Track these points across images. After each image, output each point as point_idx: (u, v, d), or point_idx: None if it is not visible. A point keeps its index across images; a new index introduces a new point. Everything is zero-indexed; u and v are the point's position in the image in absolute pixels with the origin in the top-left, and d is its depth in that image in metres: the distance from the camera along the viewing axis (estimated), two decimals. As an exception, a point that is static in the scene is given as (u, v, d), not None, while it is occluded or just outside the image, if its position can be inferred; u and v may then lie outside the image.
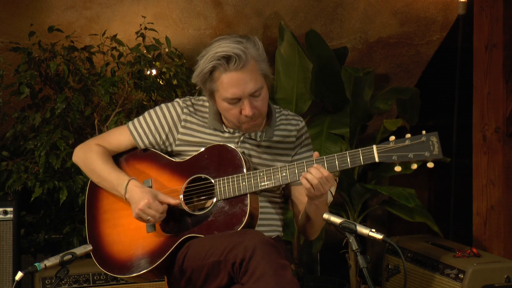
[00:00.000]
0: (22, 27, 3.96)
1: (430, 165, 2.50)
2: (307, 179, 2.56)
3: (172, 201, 2.67)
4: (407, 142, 2.51)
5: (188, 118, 2.79)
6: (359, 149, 2.56)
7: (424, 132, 2.52)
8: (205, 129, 2.78)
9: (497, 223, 4.16)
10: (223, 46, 2.61)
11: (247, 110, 2.64)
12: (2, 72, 3.87)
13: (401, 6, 4.52)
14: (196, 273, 2.59)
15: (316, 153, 2.63)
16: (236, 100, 2.64)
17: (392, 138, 2.54)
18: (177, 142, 2.79)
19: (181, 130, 2.78)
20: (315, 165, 2.57)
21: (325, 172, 2.55)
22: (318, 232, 2.86)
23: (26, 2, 3.97)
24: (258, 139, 2.79)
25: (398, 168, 2.53)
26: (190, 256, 2.62)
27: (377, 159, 2.53)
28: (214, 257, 2.51)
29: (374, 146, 2.54)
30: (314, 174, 2.55)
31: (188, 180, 2.71)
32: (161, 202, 2.66)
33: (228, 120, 2.74)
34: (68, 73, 3.86)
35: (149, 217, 2.64)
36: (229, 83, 2.61)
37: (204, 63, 2.64)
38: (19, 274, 2.38)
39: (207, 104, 2.82)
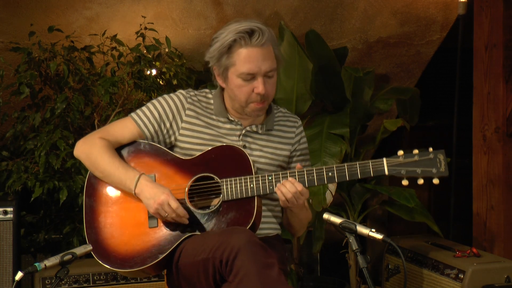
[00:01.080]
0: (22, 27, 3.96)
1: (435, 181, 2.60)
2: (282, 192, 2.62)
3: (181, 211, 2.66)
4: (415, 158, 2.61)
5: (192, 107, 2.79)
6: (369, 161, 2.63)
7: (431, 149, 2.62)
8: (208, 119, 2.79)
9: (497, 223, 4.16)
10: (245, 24, 2.66)
11: (260, 88, 2.66)
12: (2, 72, 3.86)
13: (401, 6, 4.52)
14: (190, 270, 2.60)
15: (298, 165, 2.68)
16: (251, 76, 2.66)
17: (401, 152, 2.62)
18: (180, 131, 2.79)
19: (185, 118, 2.78)
20: (290, 179, 2.63)
21: (299, 187, 2.61)
22: (301, 232, 2.93)
23: (26, 2, 3.97)
24: (260, 131, 2.81)
25: (405, 182, 2.62)
26: (184, 253, 2.63)
27: (387, 172, 2.62)
28: (204, 254, 2.52)
29: (384, 159, 2.61)
30: (288, 188, 2.61)
31: (194, 178, 2.71)
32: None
33: (236, 100, 2.73)
34: (68, 73, 3.86)
35: (167, 214, 2.64)
36: (248, 58, 2.65)
37: (224, 37, 2.66)
38: (19, 274, 2.38)
39: (210, 95, 2.83)
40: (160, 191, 2.64)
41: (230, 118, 2.78)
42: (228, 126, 2.79)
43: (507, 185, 4.15)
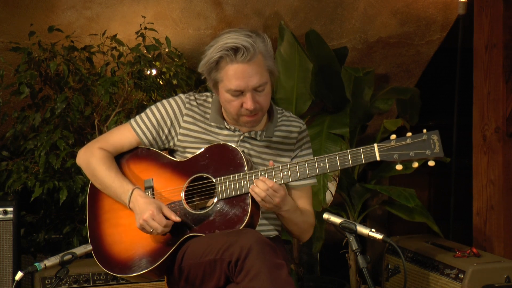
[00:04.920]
0: (22, 27, 3.96)
1: (431, 163, 2.51)
2: (255, 193, 2.58)
3: (175, 218, 2.66)
4: (408, 141, 2.52)
5: (190, 113, 2.79)
6: (361, 148, 2.57)
7: (425, 130, 2.53)
8: (206, 126, 2.79)
9: (497, 223, 4.15)
10: (233, 38, 2.62)
11: (248, 104, 2.64)
12: (2, 72, 3.86)
13: (401, 6, 4.52)
14: (194, 271, 2.60)
15: (271, 162, 2.65)
16: (239, 92, 2.65)
17: (393, 136, 2.55)
18: (178, 137, 2.79)
19: (183, 124, 2.79)
20: (261, 177, 2.60)
21: (270, 183, 2.57)
22: (304, 237, 2.87)
23: (26, 2, 3.97)
24: (258, 138, 2.79)
25: (399, 167, 2.54)
26: (188, 255, 2.63)
27: (378, 158, 2.54)
28: (211, 255, 2.52)
29: (375, 145, 2.55)
30: (260, 187, 2.58)
31: (190, 179, 2.71)
32: (165, 216, 2.65)
33: (228, 112, 2.74)
34: (68, 73, 3.86)
35: (152, 229, 2.64)
36: (234, 74, 2.62)
37: (212, 53, 2.64)
38: (19, 274, 2.38)
39: (210, 100, 2.83)
40: (146, 208, 2.64)
41: (227, 126, 2.78)
42: (226, 132, 2.78)
43: (507, 185, 4.15)
